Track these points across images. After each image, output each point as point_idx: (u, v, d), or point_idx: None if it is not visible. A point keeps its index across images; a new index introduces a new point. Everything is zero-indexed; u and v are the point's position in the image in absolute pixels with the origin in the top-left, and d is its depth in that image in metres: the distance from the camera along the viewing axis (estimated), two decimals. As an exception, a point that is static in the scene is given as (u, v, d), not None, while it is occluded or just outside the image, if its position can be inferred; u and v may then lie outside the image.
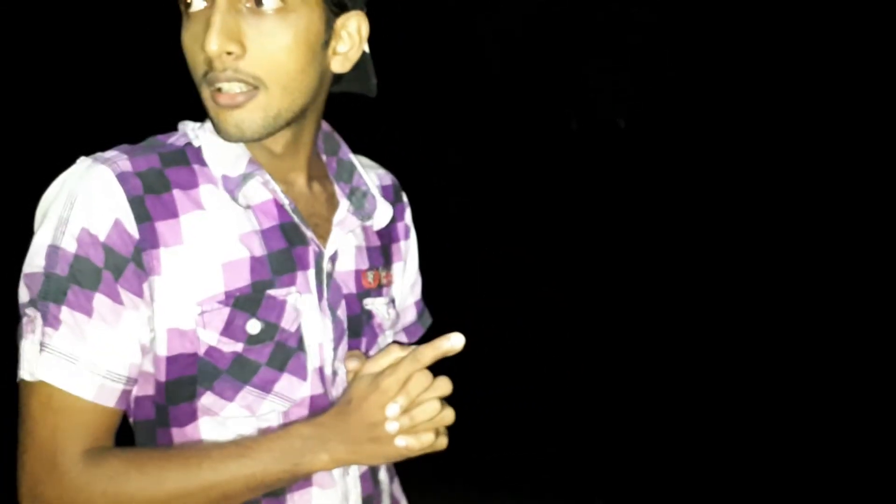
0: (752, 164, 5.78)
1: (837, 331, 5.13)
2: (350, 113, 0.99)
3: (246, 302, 0.83)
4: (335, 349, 0.91)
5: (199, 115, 0.89)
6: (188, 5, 0.81)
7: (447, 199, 6.10)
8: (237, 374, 0.83)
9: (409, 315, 1.13)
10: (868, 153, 5.59)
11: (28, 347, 0.77)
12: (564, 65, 5.44)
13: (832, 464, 3.60)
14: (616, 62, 5.33)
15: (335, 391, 0.91)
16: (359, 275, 0.96)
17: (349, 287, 0.94)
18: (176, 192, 0.83)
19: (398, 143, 5.63)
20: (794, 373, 4.75)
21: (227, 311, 0.82)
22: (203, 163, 0.86)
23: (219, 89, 0.80)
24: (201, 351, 0.82)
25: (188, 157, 0.86)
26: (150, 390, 0.83)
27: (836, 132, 5.56)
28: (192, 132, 0.88)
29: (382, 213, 0.96)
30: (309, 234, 0.89)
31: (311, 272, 0.88)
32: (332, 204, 0.94)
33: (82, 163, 0.82)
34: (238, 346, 0.83)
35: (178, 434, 0.83)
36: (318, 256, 0.89)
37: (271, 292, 0.84)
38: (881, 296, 5.39)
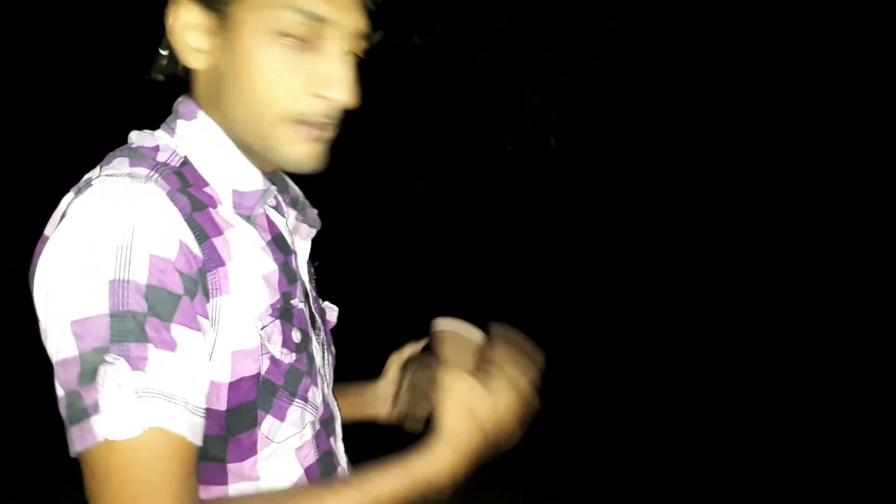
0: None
1: (829, 330, 5.16)
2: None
3: (285, 313, 0.82)
4: (324, 351, 0.94)
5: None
6: (298, 38, 0.79)
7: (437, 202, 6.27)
8: (290, 386, 0.81)
9: None
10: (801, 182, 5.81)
11: (116, 400, 0.65)
12: (502, 93, 5.67)
13: (832, 464, 3.62)
14: (547, 90, 5.55)
15: (328, 394, 0.94)
16: (310, 277, 0.98)
17: (311, 290, 0.96)
18: (210, 209, 0.79)
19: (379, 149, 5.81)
20: (790, 372, 4.77)
21: (278, 322, 0.80)
22: (201, 178, 0.81)
23: (310, 125, 0.81)
24: (264, 369, 0.78)
25: (187, 175, 0.80)
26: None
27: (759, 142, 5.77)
28: (174, 145, 0.83)
29: (318, 221, 0.99)
30: (291, 245, 0.90)
31: (299, 281, 0.89)
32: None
33: (117, 184, 0.72)
34: (292, 357, 0.81)
35: (234, 471, 0.79)
36: (297, 265, 0.91)
37: (293, 302, 0.84)
38: (878, 297, 5.42)
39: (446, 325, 0.92)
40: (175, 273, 0.70)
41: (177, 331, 0.69)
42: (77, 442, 0.67)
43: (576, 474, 3.58)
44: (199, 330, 0.72)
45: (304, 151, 0.82)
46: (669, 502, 3.43)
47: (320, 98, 0.80)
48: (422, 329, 1.04)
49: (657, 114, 5.73)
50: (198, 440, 0.71)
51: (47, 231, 0.72)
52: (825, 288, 5.58)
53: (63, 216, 0.71)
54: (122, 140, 0.84)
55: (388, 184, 6.21)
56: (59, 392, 0.68)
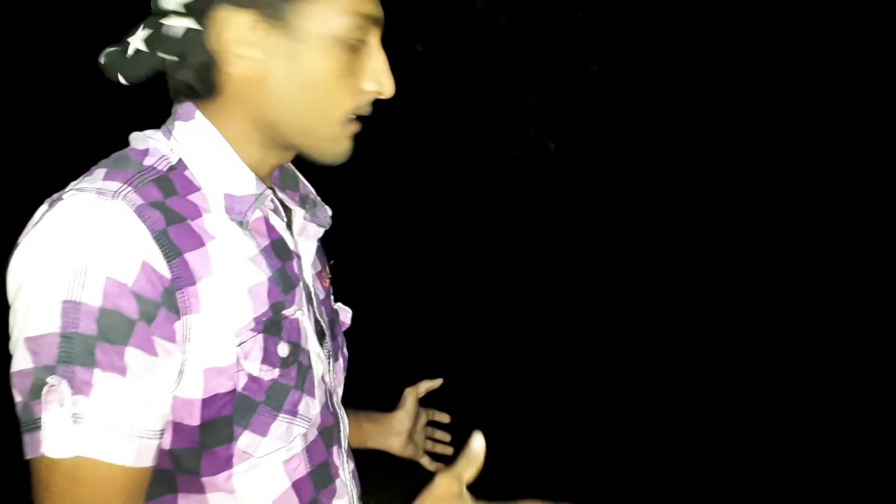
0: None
1: (827, 330, 5.16)
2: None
3: (271, 326, 0.79)
4: (329, 358, 0.92)
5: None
6: (361, 41, 0.81)
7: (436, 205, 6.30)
8: (272, 402, 0.79)
9: None
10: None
11: (55, 421, 0.66)
12: (503, 99, 5.72)
13: (831, 463, 3.62)
14: (545, 95, 5.59)
15: (333, 402, 0.92)
16: (320, 278, 0.96)
17: (319, 292, 0.93)
18: (191, 221, 0.76)
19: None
20: (788, 372, 4.77)
21: (260, 337, 0.77)
22: (191, 182, 0.79)
23: (355, 119, 0.84)
24: (240, 385, 0.76)
25: (174, 182, 0.77)
26: (175, 436, 0.75)
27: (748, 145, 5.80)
28: (166, 149, 0.80)
29: (329, 219, 0.96)
30: (293, 248, 0.87)
31: (301, 286, 0.86)
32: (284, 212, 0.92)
33: (82, 201, 0.70)
34: (275, 373, 0.79)
35: (210, 483, 0.77)
36: (300, 269, 0.88)
37: (285, 313, 0.82)
38: (876, 296, 5.42)
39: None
40: (131, 297, 0.68)
41: (130, 355, 0.68)
42: (27, 449, 0.69)
43: (576, 474, 3.58)
44: (155, 354, 0.70)
45: (347, 146, 0.85)
46: (669, 502, 3.43)
47: (366, 93, 0.83)
48: (419, 329, 1.03)
49: (655, 115, 5.75)
50: (144, 463, 0.71)
51: (20, 239, 0.72)
52: (824, 287, 5.59)
53: (34, 226, 0.71)
54: (124, 140, 0.83)
55: (387, 185, 6.22)
56: (17, 398, 0.69)
